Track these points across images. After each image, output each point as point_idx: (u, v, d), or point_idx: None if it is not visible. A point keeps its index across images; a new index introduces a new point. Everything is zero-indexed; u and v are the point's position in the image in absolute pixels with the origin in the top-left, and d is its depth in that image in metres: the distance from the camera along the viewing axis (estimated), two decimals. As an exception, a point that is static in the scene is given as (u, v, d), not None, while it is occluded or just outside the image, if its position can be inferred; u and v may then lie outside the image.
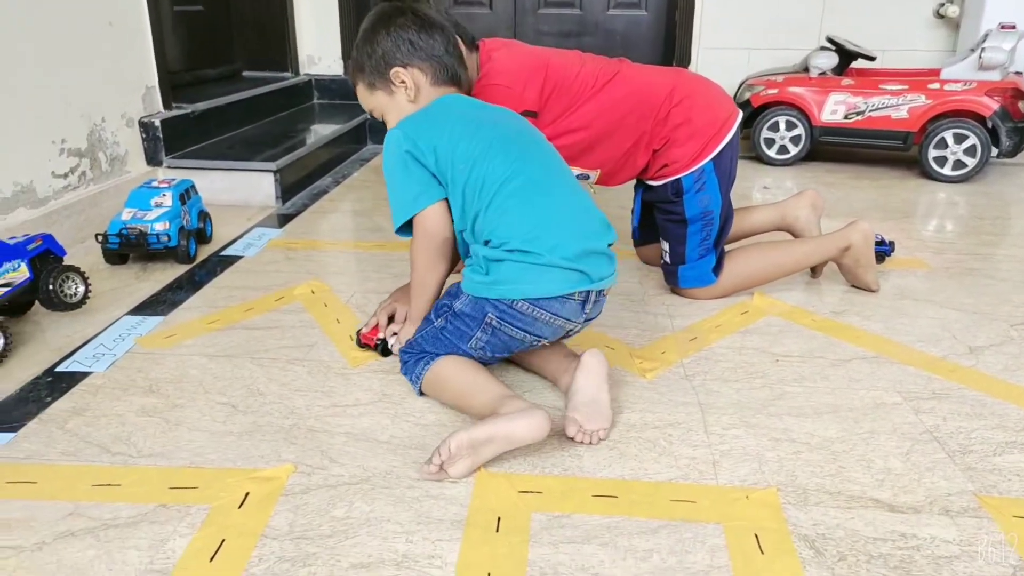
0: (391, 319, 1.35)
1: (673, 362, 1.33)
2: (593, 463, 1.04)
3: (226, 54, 3.23)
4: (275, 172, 2.29)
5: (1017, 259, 1.90)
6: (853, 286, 1.68)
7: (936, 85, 2.71)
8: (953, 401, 1.21)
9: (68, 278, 1.46)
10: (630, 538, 0.90)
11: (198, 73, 2.92)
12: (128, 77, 2.18)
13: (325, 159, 2.75)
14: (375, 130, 3.25)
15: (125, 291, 1.63)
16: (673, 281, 1.61)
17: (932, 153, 2.72)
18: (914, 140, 2.77)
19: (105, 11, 2.05)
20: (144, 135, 2.24)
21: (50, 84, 1.85)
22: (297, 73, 3.45)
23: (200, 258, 1.83)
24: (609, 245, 1.17)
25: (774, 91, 2.89)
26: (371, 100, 1.26)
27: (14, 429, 1.11)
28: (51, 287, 1.42)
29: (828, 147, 2.96)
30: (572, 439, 1.07)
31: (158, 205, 1.76)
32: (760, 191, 2.59)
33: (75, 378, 1.25)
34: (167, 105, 2.35)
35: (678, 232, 1.54)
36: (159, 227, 1.71)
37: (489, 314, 1.11)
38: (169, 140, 2.29)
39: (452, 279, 1.25)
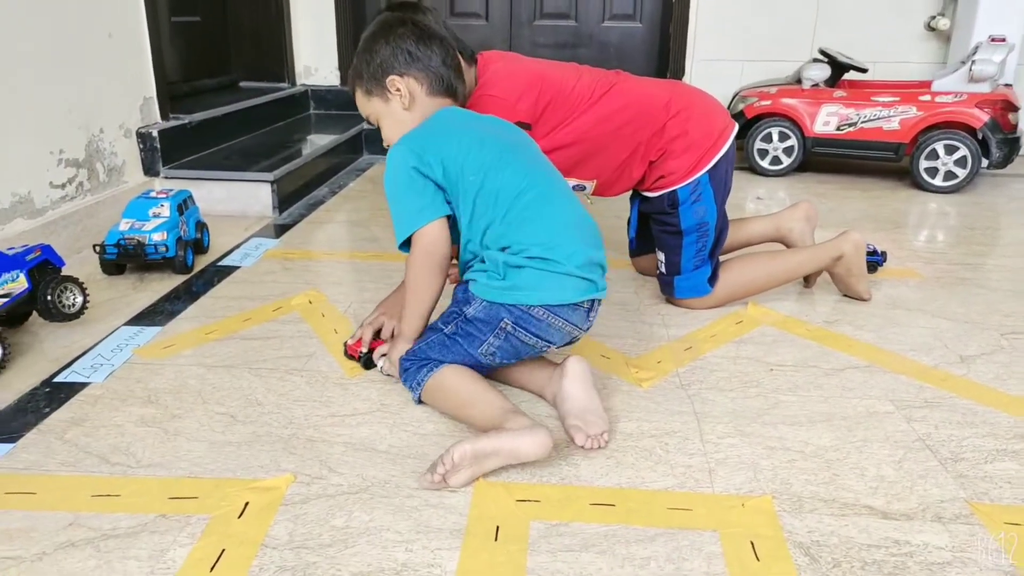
0: (379, 333, 1.36)
1: (669, 371, 1.35)
2: (590, 472, 1.05)
3: (223, 65, 3.24)
4: (272, 182, 2.30)
5: (1008, 269, 1.93)
6: (845, 296, 1.70)
7: (927, 97, 2.74)
8: (945, 409, 1.23)
9: (66, 289, 1.47)
10: (628, 546, 0.91)
11: (195, 84, 2.94)
12: (126, 88, 2.19)
13: (322, 169, 2.76)
14: (371, 140, 3.27)
15: (122, 301, 1.63)
16: (669, 291, 1.62)
17: (923, 164, 2.75)
18: (905, 151, 2.79)
19: (105, 23, 2.07)
20: (141, 145, 2.25)
21: (49, 94, 1.86)
22: (294, 84, 3.47)
23: (197, 268, 1.84)
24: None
25: (767, 102, 2.92)
26: (368, 106, 1.28)
27: (13, 440, 1.11)
28: (49, 298, 1.43)
29: (821, 158, 2.99)
30: (582, 447, 1.09)
31: (156, 215, 1.77)
32: (753, 201, 2.61)
33: (73, 388, 1.26)
34: (164, 116, 2.36)
35: (674, 243, 1.56)
36: (157, 237, 1.72)
37: (505, 319, 1.13)
38: (166, 150, 2.30)
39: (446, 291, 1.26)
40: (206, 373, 1.32)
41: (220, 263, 1.88)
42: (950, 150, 2.71)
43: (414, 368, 1.17)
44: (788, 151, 2.93)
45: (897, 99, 2.77)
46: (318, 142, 2.87)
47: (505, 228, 1.14)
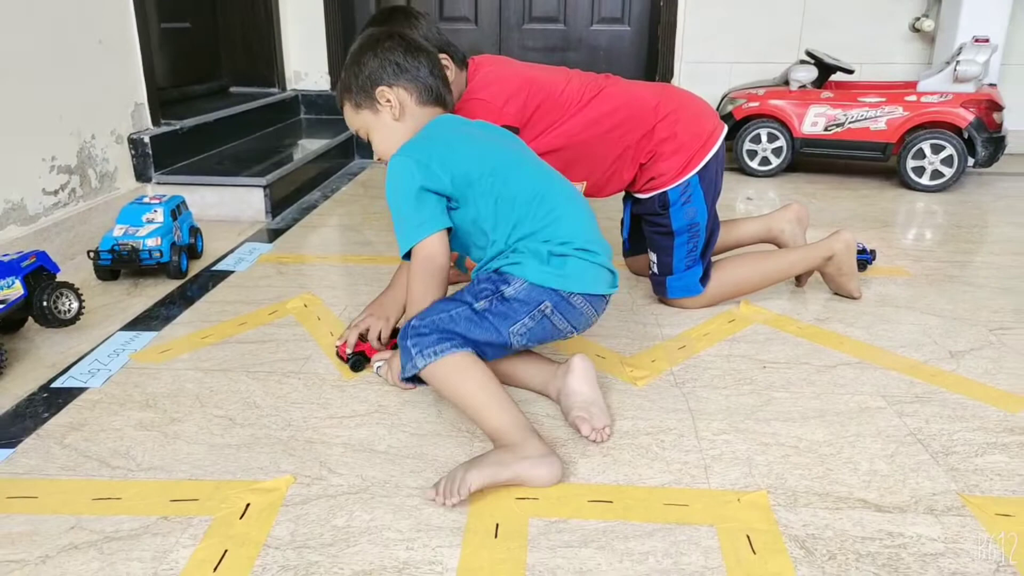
0: (367, 335, 1.38)
1: (663, 370, 1.36)
2: (588, 469, 1.06)
3: (213, 70, 3.24)
4: (265, 187, 2.31)
5: (995, 266, 1.95)
6: (836, 294, 1.72)
7: (913, 97, 2.77)
8: (935, 404, 1.25)
9: (62, 295, 1.47)
10: (626, 541, 0.92)
11: (185, 89, 2.94)
12: (117, 94, 2.19)
13: (313, 174, 2.77)
14: (362, 145, 3.27)
15: (117, 307, 1.63)
16: (661, 291, 1.64)
17: (910, 163, 2.78)
18: (893, 151, 2.83)
19: (95, 29, 2.07)
20: (133, 151, 2.25)
21: (41, 101, 1.86)
22: (284, 89, 3.47)
23: (191, 273, 1.84)
24: None
25: (756, 104, 2.95)
26: (357, 120, 1.28)
27: (12, 445, 1.11)
28: (45, 304, 1.43)
29: (809, 158, 3.02)
30: (587, 437, 1.11)
31: (149, 221, 1.77)
32: (743, 202, 2.64)
33: (71, 394, 1.26)
34: (156, 122, 2.36)
35: (665, 244, 1.58)
36: (151, 243, 1.72)
37: (545, 302, 1.14)
38: (158, 156, 2.30)
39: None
40: (203, 377, 1.32)
41: (214, 268, 1.89)
42: (936, 149, 2.74)
43: (432, 337, 1.10)
44: (777, 152, 2.96)
45: (883, 100, 2.80)
46: (309, 147, 2.88)
47: (539, 224, 1.16)
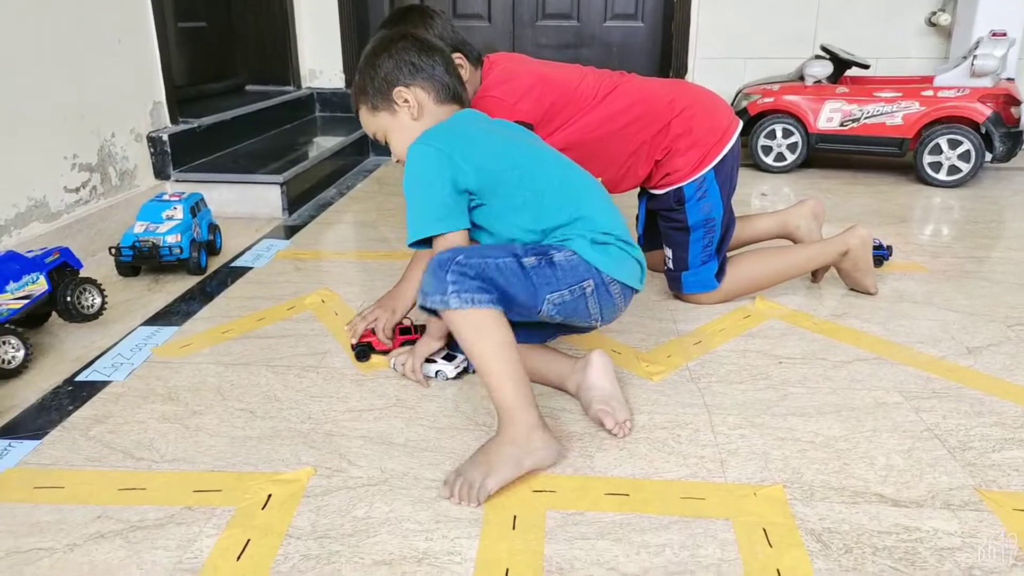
0: (379, 328, 1.40)
1: (679, 365, 1.37)
2: (604, 463, 1.07)
3: (229, 68, 3.27)
4: (282, 184, 2.33)
5: (1013, 262, 1.94)
6: (852, 290, 1.71)
7: (930, 92, 2.75)
8: (952, 400, 1.25)
9: (85, 290, 1.49)
10: (643, 534, 0.93)
11: (202, 88, 2.97)
12: (136, 93, 2.22)
13: (329, 171, 2.79)
14: (377, 142, 3.28)
15: (139, 303, 1.66)
16: (676, 287, 1.64)
17: (927, 159, 2.77)
18: (909, 146, 2.81)
19: (115, 29, 2.09)
20: (152, 149, 2.27)
21: (63, 101, 1.89)
22: (299, 87, 3.49)
23: (211, 270, 1.86)
24: None
25: (770, 99, 2.94)
26: (374, 123, 1.27)
27: (39, 437, 1.13)
28: (69, 299, 1.45)
29: (824, 154, 3.01)
30: (610, 430, 1.13)
31: (169, 218, 1.79)
32: (758, 198, 2.63)
33: (95, 387, 1.28)
34: (174, 120, 2.39)
35: (681, 239, 1.58)
36: (171, 239, 1.75)
37: (588, 280, 1.14)
38: (176, 154, 2.32)
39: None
40: (224, 371, 1.34)
41: (233, 264, 1.91)
42: (953, 144, 2.72)
43: (475, 283, 1.05)
44: (792, 148, 2.95)
45: (900, 94, 2.79)
46: (325, 144, 2.90)
47: (576, 215, 1.17)
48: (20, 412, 1.21)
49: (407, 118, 1.23)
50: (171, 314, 1.59)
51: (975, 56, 2.69)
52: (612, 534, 0.93)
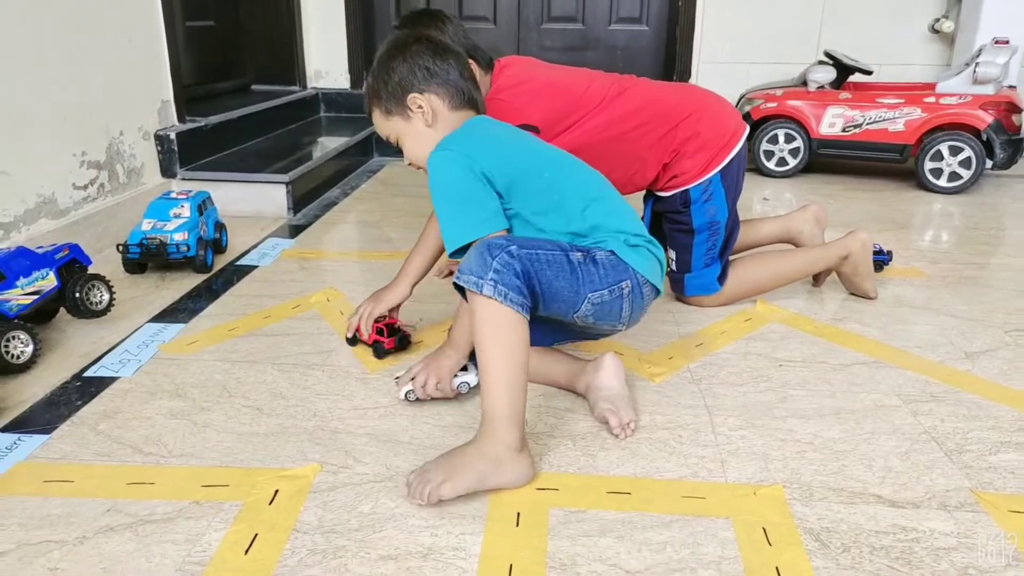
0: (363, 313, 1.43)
1: (680, 367, 1.38)
2: (606, 462, 1.09)
3: (236, 68, 3.29)
4: (287, 184, 2.35)
5: (1012, 268, 1.96)
6: (852, 294, 1.73)
7: (932, 99, 2.77)
8: (950, 404, 1.26)
9: (94, 286, 1.51)
10: (644, 532, 0.94)
11: (209, 87, 2.99)
12: (145, 91, 2.23)
13: (334, 171, 2.81)
14: (382, 143, 3.28)
15: (145, 299, 1.67)
16: (679, 289, 1.66)
17: (928, 165, 2.78)
18: (910, 152, 2.83)
19: (125, 28, 2.11)
20: (159, 148, 2.29)
21: (73, 98, 1.90)
22: (305, 87, 3.51)
23: (217, 268, 1.88)
24: None
25: (773, 104, 2.95)
26: (387, 126, 1.25)
27: (47, 431, 1.15)
28: (78, 295, 1.47)
29: (826, 159, 3.02)
30: (614, 430, 1.14)
31: (177, 216, 1.81)
32: (760, 202, 2.65)
33: (103, 383, 1.30)
34: (181, 119, 2.40)
35: (685, 241, 1.60)
36: (179, 237, 1.76)
37: (627, 281, 1.14)
38: (183, 152, 2.34)
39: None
40: (231, 368, 1.35)
41: (239, 263, 1.92)
42: (955, 151, 2.74)
43: (517, 282, 1.03)
44: (794, 152, 2.97)
45: (902, 101, 2.80)
46: (330, 144, 2.91)
47: (603, 218, 1.17)
48: (29, 407, 1.22)
49: (421, 124, 1.22)
50: (178, 311, 1.61)
51: (977, 63, 2.71)
52: (614, 532, 0.94)
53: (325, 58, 3.56)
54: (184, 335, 1.49)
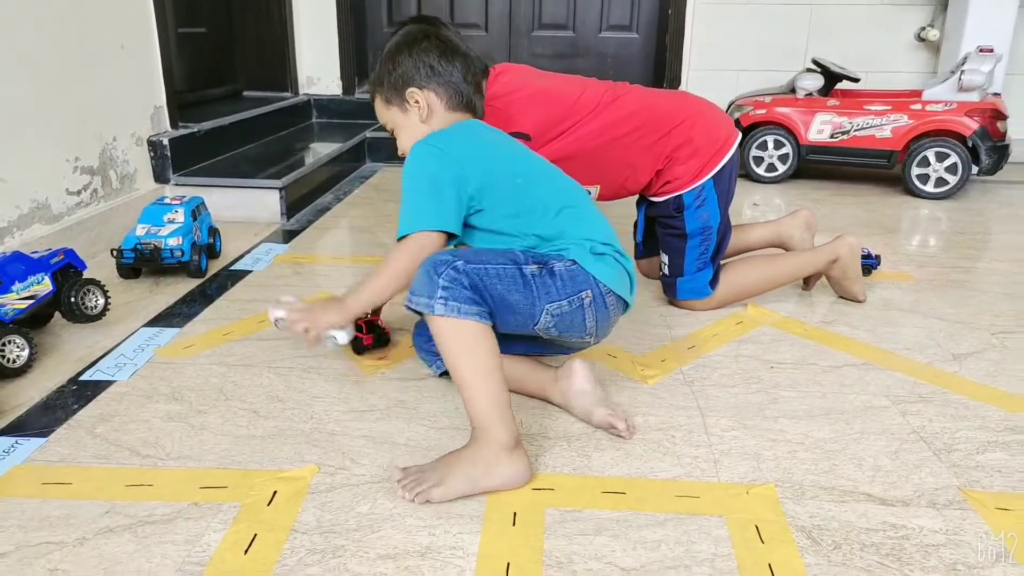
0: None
1: (673, 369, 1.40)
2: (601, 463, 1.10)
3: (228, 74, 3.30)
4: (280, 189, 2.36)
5: (998, 272, 1.99)
6: (841, 297, 1.75)
7: (918, 106, 2.81)
8: (938, 404, 1.28)
9: (89, 291, 1.51)
10: (639, 530, 0.95)
11: (201, 93, 2.99)
12: (138, 97, 2.24)
13: (327, 176, 2.82)
14: (374, 149, 3.32)
15: (140, 304, 1.68)
16: (671, 293, 1.68)
17: (915, 171, 2.82)
18: (898, 158, 2.86)
19: (118, 34, 2.12)
20: (152, 153, 2.30)
21: (66, 104, 1.91)
22: (297, 93, 3.52)
23: (210, 273, 1.88)
24: None
25: (762, 111, 2.98)
26: (385, 114, 1.29)
27: (44, 434, 1.15)
28: (73, 299, 1.47)
29: (815, 165, 3.06)
30: (620, 433, 1.15)
31: (171, 221, 1.82)
32: (750, 207, 2.67)
33: (99, 386, 1.30)
34: (174, 124, 2.41)
35: (678, 246, 1.61)
36: (173, 242, 1.77)
37: (587, 291, 1.13)
38: (176, 158, 2.35)
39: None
40: (227, 372, 1.36)
41: (233, 268, 1.93)
42: (941, 157, 2.78)
43: (467, 293, 1.03)
44: (783, 158, 3.00)
45: (889, 108, 2.84)
46: (322, 150, 2.92)
47: (572, 226, 1.17)
48: (26, 411, 1.23)
49: (416, 118, 1.25)
50: (172, 316, 1.61)
51: (963, 71, 2.75)
52: (609, 530, 0.95)
53: (317, 65, 3.57)
54: (179, 339, 1.50)
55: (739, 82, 3.44)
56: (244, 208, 2.36)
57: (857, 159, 2.93)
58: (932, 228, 2.49)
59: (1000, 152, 2.76)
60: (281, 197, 2.36)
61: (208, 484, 1.03)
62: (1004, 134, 2.77)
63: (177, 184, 2.34)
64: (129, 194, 2.18)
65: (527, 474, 1.04)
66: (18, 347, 1.32)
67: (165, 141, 2.30)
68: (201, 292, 1.76)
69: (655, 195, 1.63)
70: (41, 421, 1.19)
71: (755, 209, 2.66)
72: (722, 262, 1.68)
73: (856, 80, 2.98)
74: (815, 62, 3.02)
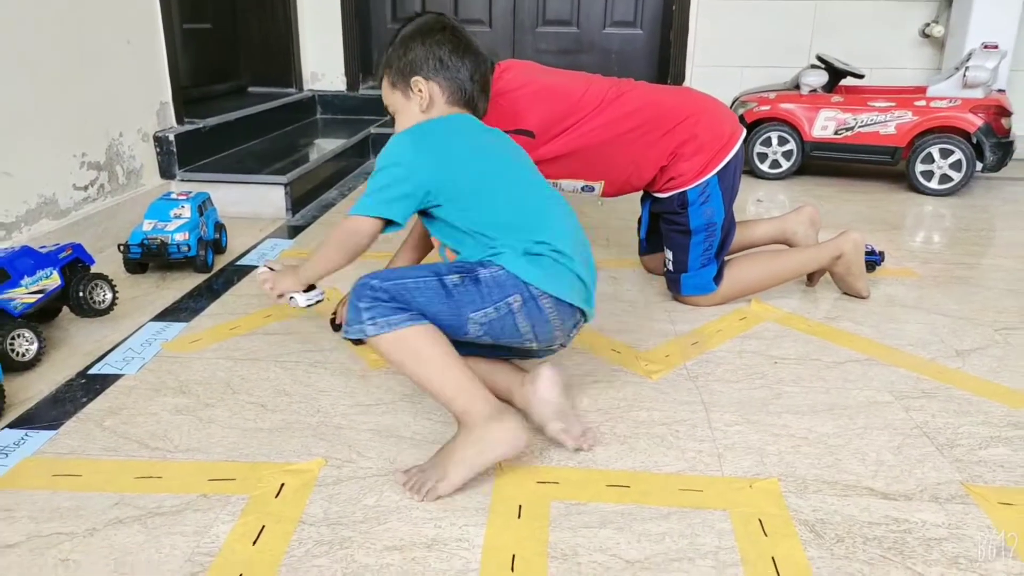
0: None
1: (677, 364, 1.41)
2: (605, 457, 1.11)
3: (232, 70, 3.30)
4: (286, 185, 2.36)
5: (1001, 268, 1.99)
6: (845, 293, 1.76)
7: (922, 102, 2.81)
8: (941, 400, 1.29)
9: (97, 286, 1.52)
10: (643, 523, 0.96)
11: (206, 89, 3.00)
12: (144, 93, 2.25)
13: (332, 172, 2.82)
14: (378, 144, 3.32)
15: (147, 299, 1.69)
16: (675, 289, 1.68)
17: (919, 167, 2.82)
18: (902, 155, 2.86)
19: (124, 30, 2.13)
20: (158, 149, 2.31)
21: (72, 100, 1.92)
22: (301, 89, 3.53)
23: (217, 268, 1.89)
24: None
25: (767, 107, 2.98)
26: (390, 97, 1.29)
27: (54, 427, 1.16)
28: (81, 294, 1.48)
29: (819, 162, 3.06)
30: (574, 447, 1.12)
31: (177, 216, 1.83)
32: (754, 204, 2.68)
33: (108, 380, 1.31)
34: (179, 120, 2.42)
35: (682, 242, 1.62)
36: (179, 237, 1.78)
37: (515, 296, 1.10)
38: (182, 154, 2.35)
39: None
40: (234, 366, 1.37)
41: (239, 263, 1.94)
42: (945, 154, 2.78)
43: (389, 306, 1.05)
44: (787, 155, 3.00)
45: (893, 104, 2.84)
46: (327, 146, 2.93)
47: (518, 226, 1.15)
48: (35, 403, 1.24)
49: (416, 107, 1.25)
50: (179, 310, 1.63)
51: (967, 67, 2.75)
52: (614, 523, 0.96)
53: (321, 60, 3.58)
54: (186, 334, 1.51)
55: (743, 78, 3.44)
56: (249, 204, 2.37)
57: (861, 155, 2.93)
58: (936, 224, 2.49)
59: (1004, 148, 2.75)
60: (286, 193, 2.37)
61: (216, 476, 1.04)
62: (1009, 130, 2.77)
63: (183, 180, 2.35)
64: (135, 189, 2.19)
65: (522, 434, 1.04)
66: (27, 341, 1.33)
67: (171, 137, 2.31)
68: (208, 287, 1.77)
69: (659, 191, 1.63)
70: (50, 414, 1.20)
71: (759, 205, 2.66)
72: (726, 258, 1.68)
73: (860, 76, 2.98)
74: (819, 58, 3.01)
